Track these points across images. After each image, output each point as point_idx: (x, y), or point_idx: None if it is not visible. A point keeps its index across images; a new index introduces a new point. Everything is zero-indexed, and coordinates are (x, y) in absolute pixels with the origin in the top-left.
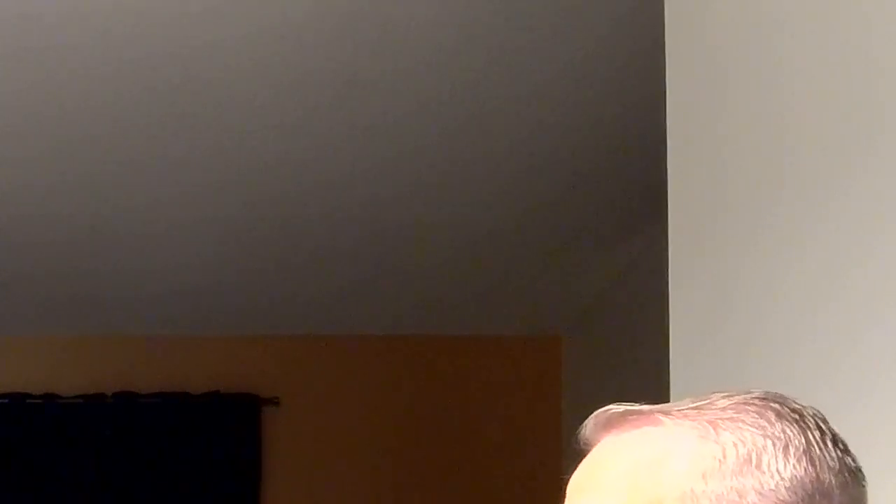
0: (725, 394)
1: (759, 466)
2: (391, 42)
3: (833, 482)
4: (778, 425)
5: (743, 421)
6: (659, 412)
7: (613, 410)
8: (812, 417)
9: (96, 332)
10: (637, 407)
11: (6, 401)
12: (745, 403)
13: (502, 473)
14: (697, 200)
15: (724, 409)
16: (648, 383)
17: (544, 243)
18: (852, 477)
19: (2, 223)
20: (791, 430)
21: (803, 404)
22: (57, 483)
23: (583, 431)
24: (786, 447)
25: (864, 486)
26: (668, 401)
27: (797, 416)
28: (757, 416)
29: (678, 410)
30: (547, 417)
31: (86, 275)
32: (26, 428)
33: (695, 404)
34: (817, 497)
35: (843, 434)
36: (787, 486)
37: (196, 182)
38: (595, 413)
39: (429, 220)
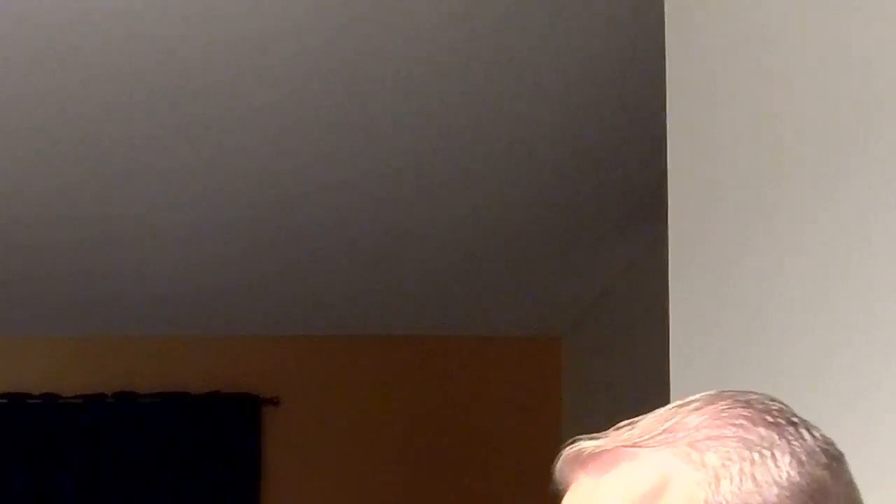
0: (690, 407)
1: (755, 482)
2: (394, 45)
3: (826, 476)
4: (755, 432)
5: (722, 437)
6: (631, 445)
7: (582, 448)
8: (780, 412)
9: (96, 332)
10: (605, 441)
11: (6, 401)
12: (716, 417)
13: (502, 473)
14: (697, 200)
15: (697, 427)
16: (648, 383)
17: (544, 243)
18: (837, 462)
19: (3, 224)
20: (770, 434)
21: (763, 398)
22: (57, 483)
23: (555, 471)
24: (772, 455)
25: (847, 465)
26: (668, 401)
27: (769, 418)
28: (734, 427)
29: (650, 437)
30: (547, 417)
31: (86, 275)
32: (26, 428)
33: (664, 426)
34: (817, 495)
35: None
36: (787, 494)
37: (196, 184)
38: (563, 451)
39: (429, 221)
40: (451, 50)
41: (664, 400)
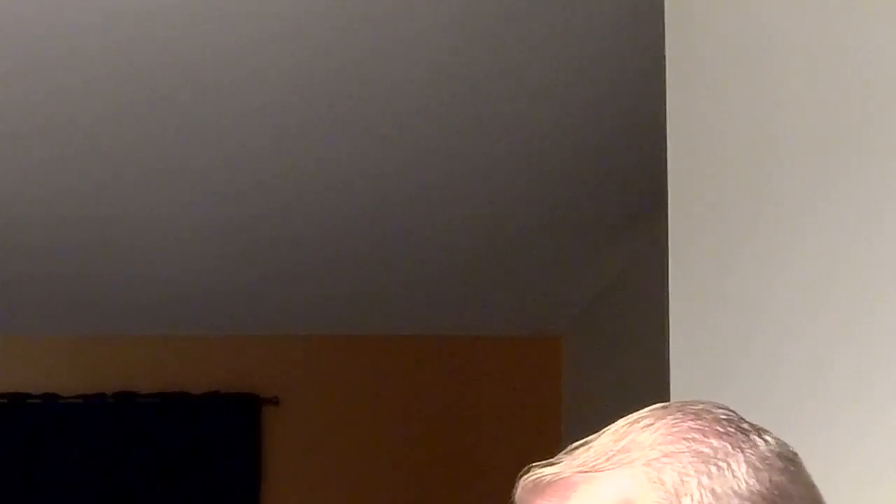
0: (641, 424)
1: (715, 495)
2: (394, 45)
3: (784, 479)
4: (708, 444)
5: (677, 452)
6: (588, 469)
7: (540, 476)
8: (729, 421)
9: (96, 332)
10: (562, 468)
11: (6, 401)
12: (668, 433)
13: (502, 473)
14: (697, 200)
15: (652, 445)
16: (648, 383)
17: (544, 243)
18: (793, 464)
19: (4, 224)
20: (723, 444)
21: (710, 406)
22: (57, 483)
23: (515, 499)
24: (728, 466)
25: (803, 465)
26: (668, 399)
27: (720, 428)
28: (686, 441)
29: (606, 460)
30: (547, 417)
31: (87, 275)
32: (26, 428)
33: (618, 446)
34: (778, 500)
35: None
36: (749, 503)
37: (197, 184)
38: (520, 480)
39: (428, 221)
40: (451, 50)
41: (664, 399)
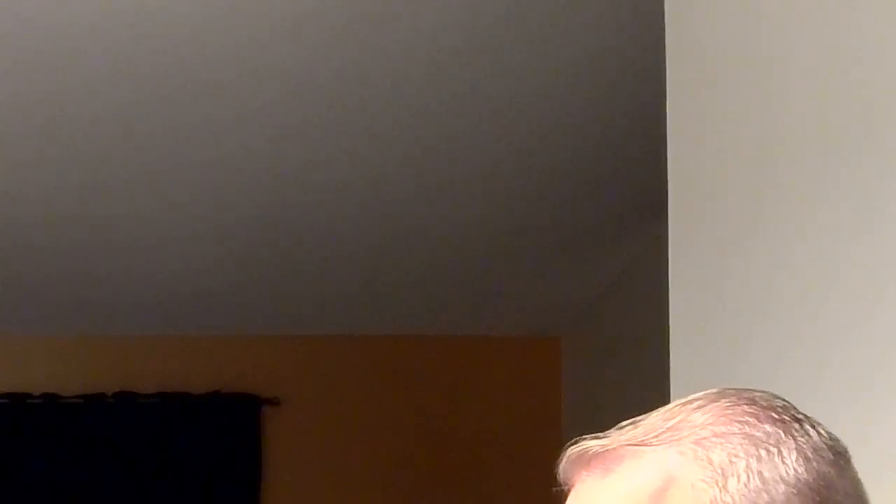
0: (693, 405)
1: (762, 479)
2: (394, 45)
3: (832, 472)
4: (761, 429)
5: (728, 433)
6: (636, 444)
7: (586, 447)
8: (784, 409)
9: (96, 332)
10: (609, 441)
11: (6, 401)
12: (720, 414)
13: (502, 473)
14: (697, 201)
15: (703, 425)
16: (648, 383)
17: (544, 243)
18: (843, 458)
19: (3, 224)
20: (776, 430)
21: (766, 395)
22: (57, 483)
23: (558, 470)
24: (779, 452)
25: (852, 461)
26: (668, 400)
27: (775, 415)
28: (739, 424)
29: (654, 436)
30: (547, 417)
31: (87, 275)
32: (26, 428)
33: (668, 424)
34: (824, 491)
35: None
36: (794, 491)
37: (197, 184)
38: (566, 451)
39: (428, 221)
40: (451, 50)
41: (664, 400)
